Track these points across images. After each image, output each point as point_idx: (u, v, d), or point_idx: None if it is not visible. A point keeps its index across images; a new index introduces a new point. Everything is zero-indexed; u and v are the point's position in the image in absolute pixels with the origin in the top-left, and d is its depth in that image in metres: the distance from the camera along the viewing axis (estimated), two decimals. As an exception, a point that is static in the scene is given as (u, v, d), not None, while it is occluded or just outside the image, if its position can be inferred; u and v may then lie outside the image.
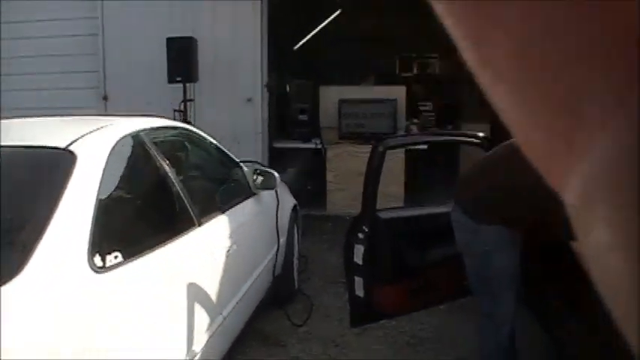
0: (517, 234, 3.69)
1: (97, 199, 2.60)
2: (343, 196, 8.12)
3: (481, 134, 4.57)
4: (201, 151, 4.54)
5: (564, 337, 3.92)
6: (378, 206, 4.29)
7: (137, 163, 3.27)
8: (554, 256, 3.95)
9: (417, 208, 5.14)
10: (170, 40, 7.49)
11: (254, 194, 4.69)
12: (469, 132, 4.92)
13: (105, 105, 8.26)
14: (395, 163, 7.87)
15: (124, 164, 3.10)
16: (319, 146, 8.78)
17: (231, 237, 3.90)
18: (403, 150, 7.99)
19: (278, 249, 4.98)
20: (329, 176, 8.45)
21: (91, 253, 2.42)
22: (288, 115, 10.89)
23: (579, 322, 3.60)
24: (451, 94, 13.21)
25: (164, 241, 3.02)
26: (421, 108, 11.68)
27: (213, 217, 3.81)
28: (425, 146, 8.01)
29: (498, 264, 3.66)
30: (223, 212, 4.01)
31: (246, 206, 4.49)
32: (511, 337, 3.77)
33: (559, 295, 4.09)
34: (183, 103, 7.52)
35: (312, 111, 10.18)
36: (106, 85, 8.31)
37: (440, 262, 4.32)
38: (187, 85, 7.57)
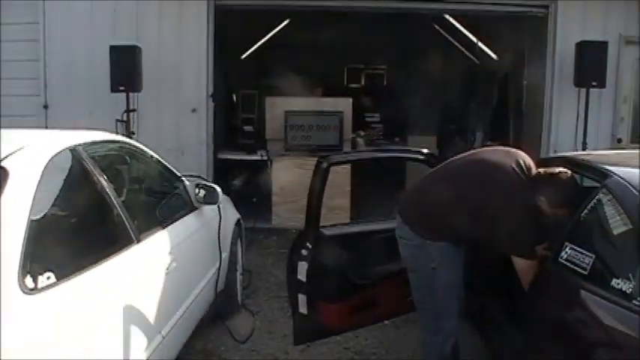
0: (461, 249, 3.74)
1: (29, 218, 2.53)
2: (289, 208, 8.09)
3: (425, 150, 4.63)
4: (142, 166, 4.48)
5: (504, 346, 3.99)
6: (323, 219, 4.30)
7: (73, 179, 3.19)
8: (494, 270, 4.02)
9: (362, 223, 5.16)
10: (113, 48, 7.37)
11: (196, 209, 4.64)
12: (414, 148, 4.96)
13: (45, 113, 8.00)
14: (341, 175, 7.91)
15: (59, 180, 3.02)
16: (265, 158, 8.77)
17: (171, 253, 3.85)
18: (349, 162, 7.96)
19: (220, 264, 4.93)
20: (275, 188, 8.43)
21: (22, 274, 2.36)
22: (234, 126, 10.91)
23: (518, 332, 3.66)
24: (399, 106, 13.33)
25: (100, 260, 2.97)
26: (368, 120, 11.79)
27: (153, 233, 3.76)
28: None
29: (443, 280, 3.71)
30: (164, 228, 3.96)
31: (188, 221, 4.44)
32: (454, 349, 3.83)
33: (499, 307, 4.15)
34: (126, 113, 7.40)
35: (259, 122, 10.19)
36: (46, 93, 8.04)
37: (385, 278, 4.35)
38: (131, 94, 7.43)
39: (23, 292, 2.34)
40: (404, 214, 3.89)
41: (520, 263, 3.51)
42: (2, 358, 2.10)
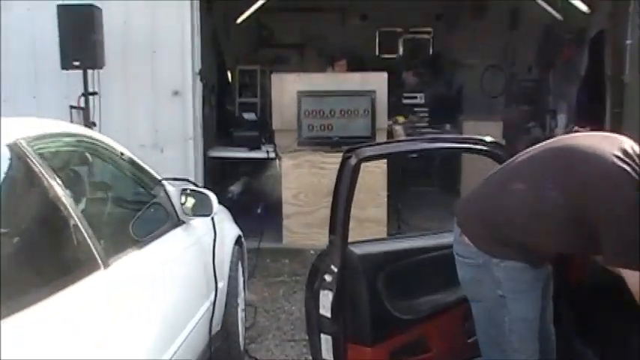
0: (541, 272, 3.71)
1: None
2: (305, 222, 8.18)
3: (489, 139, 4.60)
4: (109, 166, 4.49)
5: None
6: (353, 234, 4.30)
7: (16, 184, 3.17)
8: (591, 300, 4.01)
9: (404, 239, 5.15)
10: (63, 9, 7.35)
11: (183, 223, 4.66)
12: (473, 136, 4.92)
13: (-24, 101, 8.06)
14: (374, 177, 7.95)
15: (-4, 185, 3.00)
16: (272, 155, 8.79)
17: (149, 282, 3.86)
18: (385, 160, 7.99)
19: (216, 297, 4.95)
20: (285, 196, 8.46)
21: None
22: (230, 114, 10.95)
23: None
24: (450, 82, 13.38)
25: (54, 291, 2.95)
26: (409, 102, 11.79)
27: (126, 256, 3.75)
28: (414, 154, 7.95)
29: (515, 312, 3.69)
30: (140, 248, 3.95)
31: (172, 239, 4.44)
32: None
33: (599, 351, 4.15)
34: (83, 97, 7.43)
35: (262, 108, 10.21)
36: (-23, 75, 8.11)
37: (436, 312, 4.36)
38: (89, 72, 7.48)
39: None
40: (464, 224, 3.88)
41: (632, 278, 3.46)
42: None
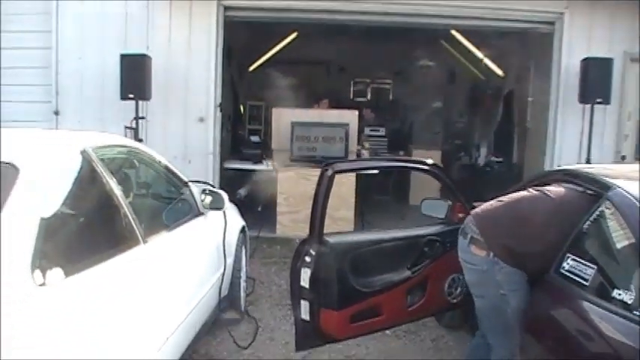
0: (525, 274, 3.62)
1: (39, 214, 2.54)
2: (293, 218, 8.14)
3: (430, 161, 4.66)
4: (150, 170, 4.53)
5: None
6: (328, 230, 4.28)
7: (82, 179, 3.15)
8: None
9: (367, 232, 5.14)
10: (124, 57, 7.46)
11: (202, 214, 4.65)
12: (419, 159, 4.94)
13: (56, 120, 8.04)
14: (345, 187, 7.96)
15: (69, 180, 3.00)
16: (270, 168, 8.78)
17: (176, 256, 3.88)
18: (354, 174, 7.99)
19: (225, 269, 4.95)
20: (279, 198, 8.44)
21: (32, 269, 2.38)
22: (241, 137, 11.08)
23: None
24: (404, 120, 13.47)
25: (107, 258, 2.98)
26: (373, 133, 11.84)
27: (159, 236, 3.78)
28: (376, 171, 7.96)
29: (515, 304, 3.59)
30: (170, 231, 3.98)
31: (193, 226, 4.46)
32: None
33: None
34: (134, 121, 7.46)
35: (265, 133, 10.37)
36: (57, 100, 8.07)
37: (388, 288, 4.32)
38: (140, 102, 7.51)
39: (34, 285, 2.36)
40: (486, 232, 3.71)
41: None
42: (13, 346, 2.13)
